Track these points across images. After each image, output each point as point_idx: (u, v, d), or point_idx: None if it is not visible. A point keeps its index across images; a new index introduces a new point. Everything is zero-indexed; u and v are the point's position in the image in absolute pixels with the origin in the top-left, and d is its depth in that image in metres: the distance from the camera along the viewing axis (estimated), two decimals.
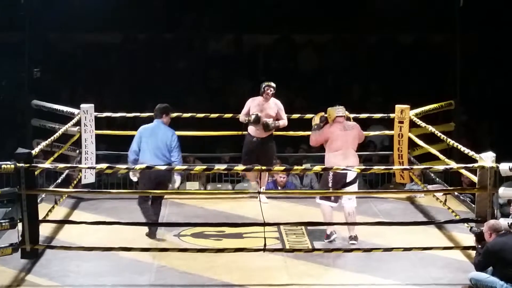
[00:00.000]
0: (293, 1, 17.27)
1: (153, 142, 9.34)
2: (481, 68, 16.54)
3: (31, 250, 8.38)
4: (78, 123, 11.09)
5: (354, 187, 9.15)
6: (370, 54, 17.08)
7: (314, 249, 8.87)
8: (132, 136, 12.01)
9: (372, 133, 12.28)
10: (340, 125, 9.25)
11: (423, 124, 10.84)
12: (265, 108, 10.75)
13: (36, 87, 13.66)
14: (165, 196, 9.84)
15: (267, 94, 10.73)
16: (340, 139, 9.15)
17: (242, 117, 10.90)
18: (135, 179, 9.43)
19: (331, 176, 8.95)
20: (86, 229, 9.02)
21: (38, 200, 8.84)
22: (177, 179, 9.49)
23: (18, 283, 8.03)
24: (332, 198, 9.06)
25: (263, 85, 10.80)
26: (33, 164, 8.40)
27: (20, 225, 8.34)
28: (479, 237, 7.85)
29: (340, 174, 8.90)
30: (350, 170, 8.73)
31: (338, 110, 9.32)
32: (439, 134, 10.39)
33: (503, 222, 8.01)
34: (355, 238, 9.07)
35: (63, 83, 16.39)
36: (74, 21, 16.17)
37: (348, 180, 9.02)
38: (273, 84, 10.79)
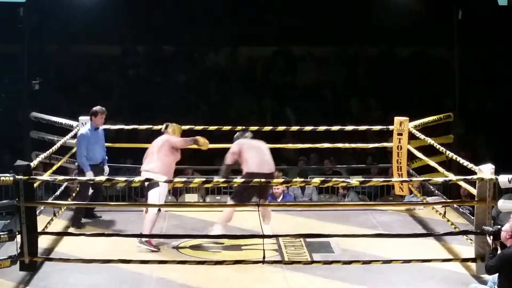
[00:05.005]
0: (292, 14, 17.32)
1: None
2: (479, 80, 16.57)
3: (30, 262, 8.35)
4: (76, 136, 11.09)
5: (152, 193, 9.27)
6: (369, 67, 17.11)
7: (313, 261, 8.84)
8: (131, 149, 12.08)
9: (371, 145, 12.29)
10: None
11: (422, 136, 10.85)
12: None
13: (35, 99, 13.68)
14: (165, 209, 9.91)
15: None
16: None
17: None
18: None
19: None
20: (85, 241, 8.99)
21: (37, 212, 8.83)
22: (87, 175, 10.13)
23: None
24: None
25: None
26: (32, 176, 8.38)
27: (18, 237, 8.30)
28: (496, 236, 7.68)
29: None
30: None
31: None
32: (438, 146, 10.39)
33: None
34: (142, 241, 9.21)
35: (62, 95, 16.41)
36: (74, 34, 16.22)
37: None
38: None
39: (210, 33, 17.38)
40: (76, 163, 10.55)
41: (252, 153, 9.61)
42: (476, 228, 8.43)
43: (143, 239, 9.16)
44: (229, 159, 9.70)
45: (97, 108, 10.53)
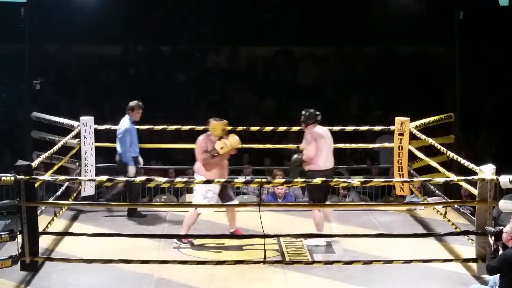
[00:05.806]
0: (293, 13, 17.31)
1: None
2: (480, 80, 16.56)
3: (31, 262, 8.37)
4: (77, 135, 11.11)
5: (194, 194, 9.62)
6: (369, 66, 17.10)
7: (314, 262, 8.85)
8: None
9: (372, 145, 12.29)
10: None
11: (423, 137, 10.84)
12: None
13: (36, 99, 13.67)
14: (166, 209, 9.93)
15: None
16: None
17: None
18: None
19: None
20: (86, 241, 8.99)
21: (38, 212, 8.84)
22: (129, 169, 10.52)
23: None
24: None
25: None
26: (33, 176, 8.41)
27: (19, 237, 8.33)
28: (498, 236, 7.68)
29: None
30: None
31: None
32: (439, 146, 10.38)
33: None
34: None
35: (63, 95, 16.41)
36: (74, 34, 16.22)
37: None
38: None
39: (211, 32, 17.36)
40: (117, 158, 10.78)
41: (327, 149, 9.53)
42: (477, 228, 8.44)
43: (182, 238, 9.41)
44: (313, 153, 9.45)
45: (133, 103, 10.84)
